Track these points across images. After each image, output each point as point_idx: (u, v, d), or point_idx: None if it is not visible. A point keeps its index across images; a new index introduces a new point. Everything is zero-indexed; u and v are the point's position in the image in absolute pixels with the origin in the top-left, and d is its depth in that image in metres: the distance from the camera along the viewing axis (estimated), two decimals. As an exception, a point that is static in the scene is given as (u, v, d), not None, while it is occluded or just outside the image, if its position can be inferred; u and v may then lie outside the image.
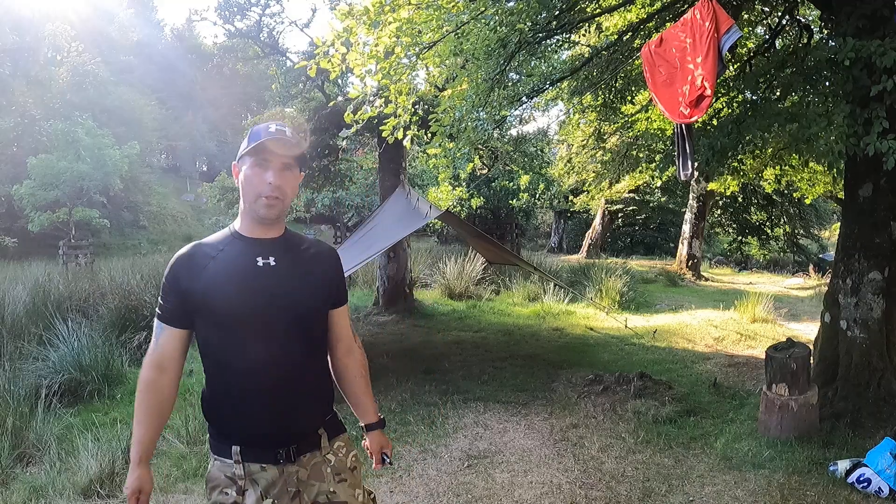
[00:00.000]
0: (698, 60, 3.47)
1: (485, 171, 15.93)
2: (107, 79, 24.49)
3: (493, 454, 3.81)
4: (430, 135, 5.33)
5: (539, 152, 13.61)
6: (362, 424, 1.83)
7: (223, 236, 1.61)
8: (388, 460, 1.85)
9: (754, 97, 5.24)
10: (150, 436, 1.56)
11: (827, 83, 4.34)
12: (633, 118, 7.76)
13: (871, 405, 4.06)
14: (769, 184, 11.63)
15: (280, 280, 1.56)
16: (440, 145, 5.10)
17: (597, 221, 19.42)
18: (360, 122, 4.90)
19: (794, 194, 13.53)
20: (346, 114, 4.96)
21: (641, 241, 23.80)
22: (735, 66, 5.63)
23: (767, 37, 6.19)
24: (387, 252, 8.34)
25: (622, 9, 5.83)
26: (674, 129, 4.01)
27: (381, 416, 1.84)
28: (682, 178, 3.99)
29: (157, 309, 1.58)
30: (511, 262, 8.91)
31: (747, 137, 4.70)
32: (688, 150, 3.83)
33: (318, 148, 9.21)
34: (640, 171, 10.40)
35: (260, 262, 1.55)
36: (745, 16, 6.04)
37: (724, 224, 20.06)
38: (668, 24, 4.99)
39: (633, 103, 7.36)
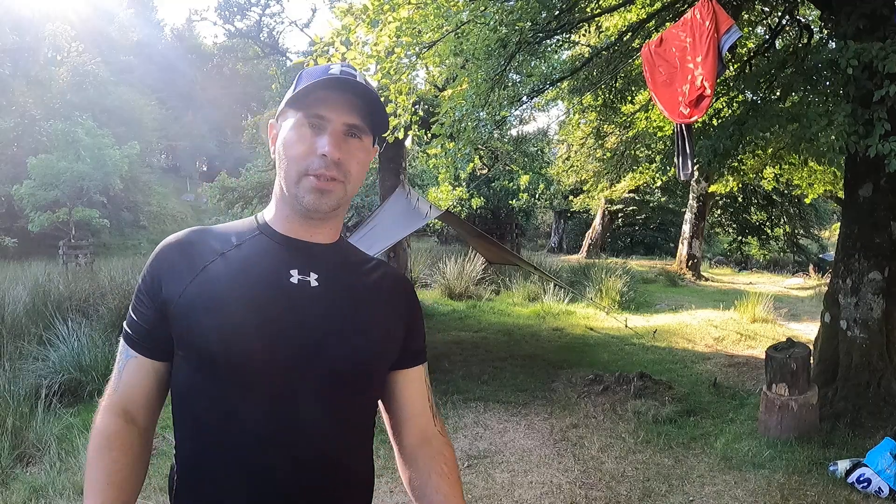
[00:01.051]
0: (698, 60, 3.47)
1: (485, 172, 15.93)
2: (107, 79, 24.49)
3: (493, 454, 3.81)
4: (430, 135, 5.33)
5: (539, 152, 13.60)
6: None
7: (245, 227, 1.02)
8: None
9: (755, 97, 5.25)
10: None
11: (827, 83, 4.35)
12: (633, 118, 7.77)
13: (871, 405, 4.06)
14: (769, 182, 11.65)
15: (322, 311, 0.96)
16: (441, 146, 5.10)
17: (597, 221, 19.42)
18: None
19: (794, 192, 13.54)
20: None
21: (641, 241, 23.82)
22: (735, 67, 5.64)
23: (767, 37, 6.19)
24: (387, 252, 8.34)
25: (622, 9, 5.83)
26: (673, 129, 4.02)
27: None
28: (683, 178, 4.00)
29: (124, 324, 1.01)
30: (511, 262, 8.91)
31: (748, 138, 4.71)
32: (688, 150, 3.84)
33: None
34: (641, 172, 10.41)
35: (295, 277, 0.96)
36: (745, 16, 6.05)
37: (724, 224, 20.08)
38: (667, 24, 5.00)
39: (632, 103, 7.37)
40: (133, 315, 0.99)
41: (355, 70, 0.98)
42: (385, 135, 5.03)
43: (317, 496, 0.96)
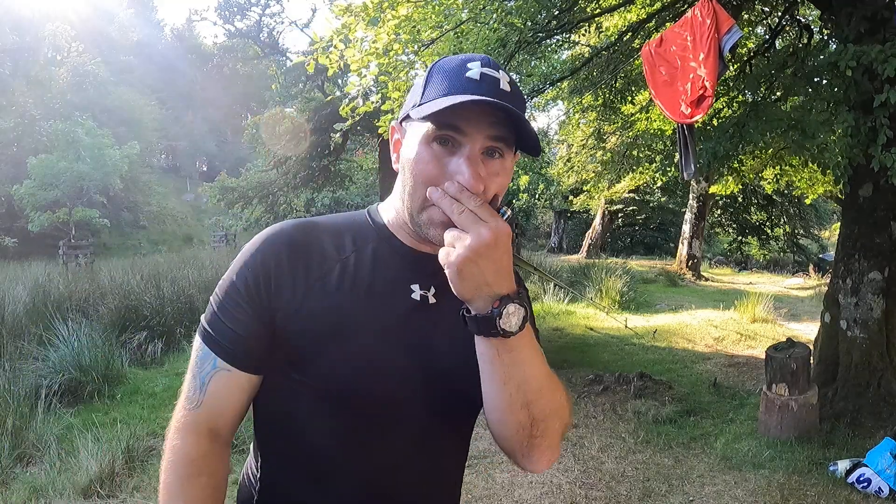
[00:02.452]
0: (700, 59, 3.47)
1: (485, 171, 15.93)
2: (107, 79, 24.51)
3: (492, 454, 3.81)
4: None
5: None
6: None
7: (359, 225, 0.90)
8: None
9: (755, 98, 5.25)
10: None
11: (828, 86, 4.35)
12: (633, 118, 7.77)
13: (871, 405, 4.06)
14: (769, 183, 11.65)
15: (443, 333, 0.87)
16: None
17: (597, 221, 19.42)
18: (357, 116, 4.88)
19: (794, 193, 13.54)
20: (341, 107, 4.95)
21: (641, 241, 23.82)
22: (735, 67, 5.63)
23: (767, 37, 6.19)
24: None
25: (622, 9, 5.83)
26: (674, 129, 4.02)
27: None
28: (686, 177, 4.01)
29: (204, 324, 0.86)
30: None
31: (747, 139, 4.71)
32: (690, 150, 3.84)
33: (318, 148, 9.22)
34: (641, 172, 10.42)
35: (416, 293, 0.87)
36: (745, 16, 6.05)
37: (724, 224, 20.08)
38: (667, 24, 5.00)
39: (633, 103, 7.36)
40: (224, 320, 0.83)
41: (497, 68, 0.80)
42: (381, 131, 5.03)
43: None
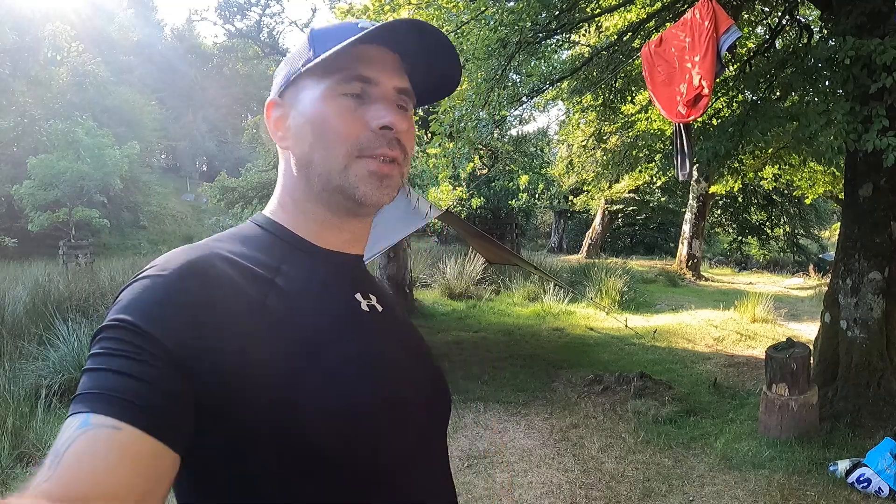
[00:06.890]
0: (696, 59, 3.47)
1: (485, 171, 15.92)
2: (107, 79, 24.49)
3: (493, 454, 3.81)
4: (430, 135, 5.34)
5: (539, 152, 13.62)
6: None
7: (261, 240, 0.70)
8: None
9: (755, 97, 5.25)
10: None
11: (827, 82, 4.35)
12: (634, 118, 7.77)
13: (871, 405, 4.06)
14: (769, 183, 11.65)
15: (402, 343, 0.75)
16: (440, 145, 5.10)
17: (597, 221, 19.42)
18: None
19: (794, 194, 13.54)
20: None
21: (641, 241, 23.83)
22: (735, 67, 5.63)
23: (767, 37, 6.19)
24: (387, 252, 8.34)
25: (622, 9, 5.84)
26: (673, 129, 4.02)
27: None
28: (681, 178, 4.01)
29: (87, 390, 0.52)
30: (511, 262, 8.91)
31: (748, 139, 4.71)
32: (686, 150, 3.84)
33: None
34: (640, 171, 10.42)
35: (363, 303, 0.72)
36: (745, 16, 6.06)
37: (724, 224, 20.07)
38: (667, 24, 5.00)
39: (633, 103, 7.37)
40: (130, 376, 0.52)
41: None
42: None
43: None
